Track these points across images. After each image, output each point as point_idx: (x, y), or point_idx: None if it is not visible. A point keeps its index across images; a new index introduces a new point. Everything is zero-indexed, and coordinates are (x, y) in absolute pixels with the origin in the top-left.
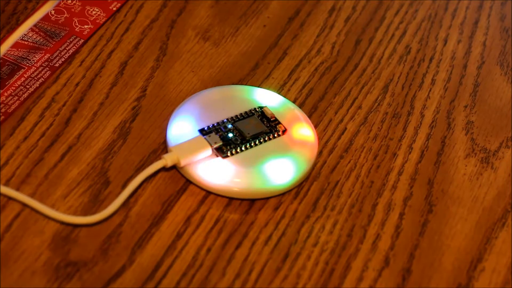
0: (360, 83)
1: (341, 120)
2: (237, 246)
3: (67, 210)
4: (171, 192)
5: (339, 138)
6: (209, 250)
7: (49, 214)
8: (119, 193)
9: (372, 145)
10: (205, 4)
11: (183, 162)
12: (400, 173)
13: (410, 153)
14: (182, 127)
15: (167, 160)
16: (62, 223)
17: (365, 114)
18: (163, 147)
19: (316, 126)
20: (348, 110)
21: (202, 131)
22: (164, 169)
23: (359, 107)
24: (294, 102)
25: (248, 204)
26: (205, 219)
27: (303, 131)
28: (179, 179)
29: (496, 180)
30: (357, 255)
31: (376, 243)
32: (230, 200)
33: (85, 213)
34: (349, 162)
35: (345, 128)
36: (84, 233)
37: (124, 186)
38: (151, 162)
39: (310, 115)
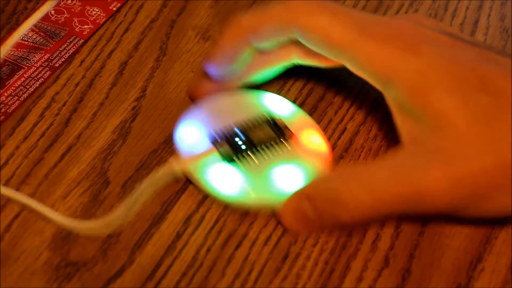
0: (360, 82)
1: (341, 120)
2: (237, 246)
3: (67, 210)
4: (171, 192)
5: (339, 138)
6: (209, 250)
7: (50, 216)
8: (123, 196)
9: (372, 145)
10: (205, 4)
11: (191, 169)
12: None
13: None
14: (190, 133)
15: (175, 167)
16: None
17: (365, 114)
18: (163, 147)
19: None
20: (348, 110)
21: (210, 138)
22: (171, 174)
23: (359, 107)
24: (294, 102)
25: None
26: (205, 219)
27: (313, 139)
28: (179, 179)
29: None
30: (356, 255)
31: (375, 243)
32: (227, 205)
33: (85, 213)
34: (349, 162)
35: (345, 128)
36: (84, 233)
37: (124, 186)
38: (151, 162)
39: (310, 115)
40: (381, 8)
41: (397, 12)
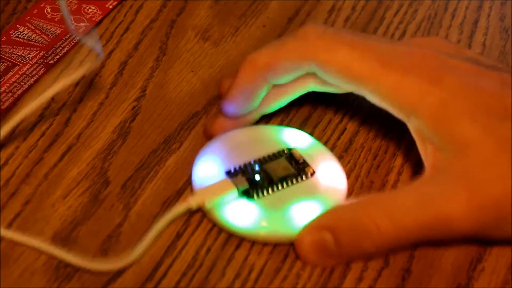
0: None
1: (341, 120)
2: (237, 246)
3: (66, 210)
4: (171, 192)
5: (338, 138)
6: (208, 250)
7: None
8: (123, 196)
9: (372, 145)
10: (205, 4)
11: (208, 205)
12: (400, 173)
13: (410, 153)
14: (208, 169)
15: (192, 202)
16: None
17: (364, 114)
18: (163, 147)
19: (315, 126)
20: (347, 110)
21: (228, 173)
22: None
23: (359, 107)
24: (293, 103)
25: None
26: (205, 219)
27: (332, 174)
28: (179, 180)
29: None
30: None
31: None
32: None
33: (85, 213)
34: (348, 162)
35: (345, 128)
36: (84, 233)
37: (124, 186)
38: (151, 162)
39: (309, 115)
40: (380, 8)
41: (397, 12)
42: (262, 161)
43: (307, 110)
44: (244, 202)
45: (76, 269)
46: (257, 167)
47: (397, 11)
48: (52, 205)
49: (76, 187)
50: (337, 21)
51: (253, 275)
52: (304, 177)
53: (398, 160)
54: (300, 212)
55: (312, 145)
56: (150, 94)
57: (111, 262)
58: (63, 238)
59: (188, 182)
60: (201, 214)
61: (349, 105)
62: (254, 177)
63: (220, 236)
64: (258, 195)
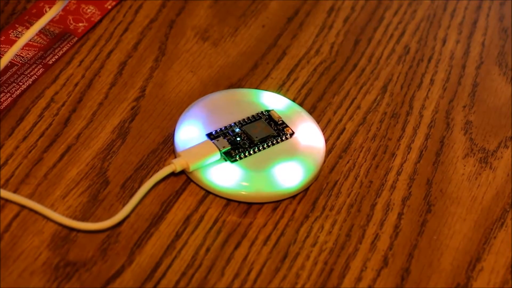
0: (359, 83)
1: (340, 120)
2: (236, 246)
3: (66, 210)
4: (170, 192)
5: (338, 138)
6: (208, 250)
7: (50, 216)
8: (123, 196)
9: (371, 145)
10: (204, 4)
11: (192, 167)
12: (399, 173)
13: (409, 153)
14: (190, 132)
15: (176, 165)
16: (64, 226)
17: (364, 114)
18: (162, 147)
19: None
20: (347, 110)
21: (210, 136)
22: (172, 174)
23: (358, 107)
24: (293, 101)
25: (247, 204)
26: (204, 219)
27: (311, 134)
28: (178, 179)
29: (494, 180)
30: (356, 255)
31: (375, 243)
32: (229, 200)
33: (85, 213)
34: (348, 162)
35: (344, 128)
36: (83, 233)
37: (123, 185)
38: (150, 162)
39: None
40: (379, 8)
41: (396, 12)
42: (242, 123)
43: (306, 110)
44: (226, 163)
45: (76, 269)
46: (237, 129)
47: (396, 11)
48: (52, 205)
49: (75, 187)
50: (336, 21)
51: (252, 275)
52: (283, 137)
53: (397, 160)
54: (280, 171)
55: (290, 106)
56: (150, 94)
57: (100, 223)
58: (62, 238)
59: (190, 180)
60: (200, 214)
61: (348, 105)
62: (235, 138)
63: (219, 236)
64: (240, 156)
